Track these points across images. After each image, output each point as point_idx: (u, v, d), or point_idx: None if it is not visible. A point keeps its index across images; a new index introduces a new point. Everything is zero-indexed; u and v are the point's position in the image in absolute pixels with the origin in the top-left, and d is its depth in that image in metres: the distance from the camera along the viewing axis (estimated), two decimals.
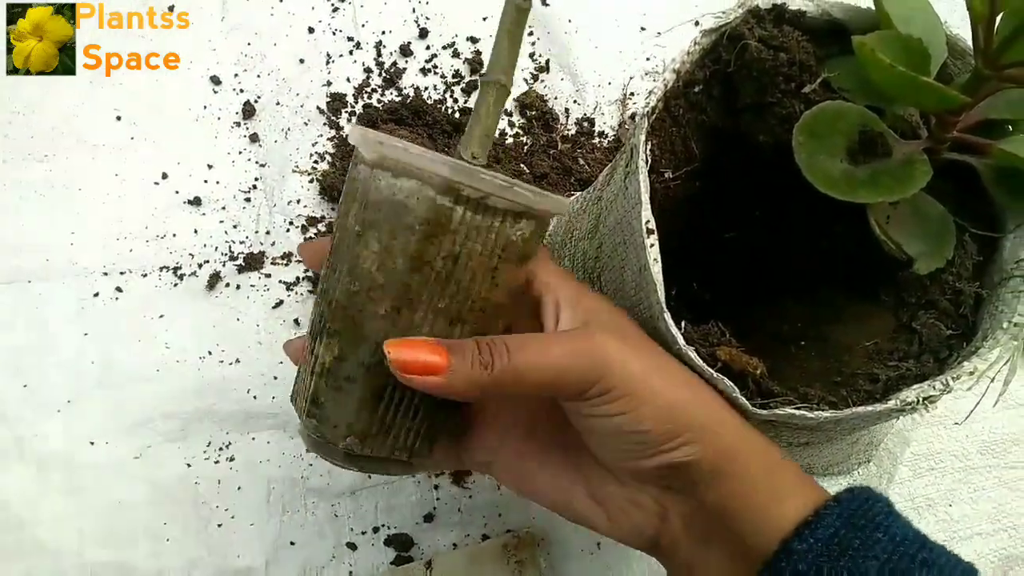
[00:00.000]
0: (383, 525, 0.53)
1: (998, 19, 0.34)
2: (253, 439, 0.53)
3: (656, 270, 0.36)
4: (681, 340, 0.35)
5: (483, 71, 0.33)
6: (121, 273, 0.56)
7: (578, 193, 0.57)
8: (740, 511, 0.35)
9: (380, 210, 0.33)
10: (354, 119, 0.62)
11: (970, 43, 0.42)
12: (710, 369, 0.35)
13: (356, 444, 0.36)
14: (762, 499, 0.35)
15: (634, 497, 0.37)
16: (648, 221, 0.36)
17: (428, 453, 0.38)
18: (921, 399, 0.35)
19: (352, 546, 0.52)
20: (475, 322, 0.35)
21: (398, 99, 0.63)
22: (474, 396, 0.34)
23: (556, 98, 0.65)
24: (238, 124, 0.61)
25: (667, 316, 0.35)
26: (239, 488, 0.52)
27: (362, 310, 0.34)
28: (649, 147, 0.38)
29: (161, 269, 0.57)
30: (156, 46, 0.61)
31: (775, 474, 0.36)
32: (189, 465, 0.52)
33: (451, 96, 0.64)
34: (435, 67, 0.64)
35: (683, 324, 0.37)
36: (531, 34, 0.66)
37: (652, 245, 0.36)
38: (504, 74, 0.35)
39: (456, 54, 0.65)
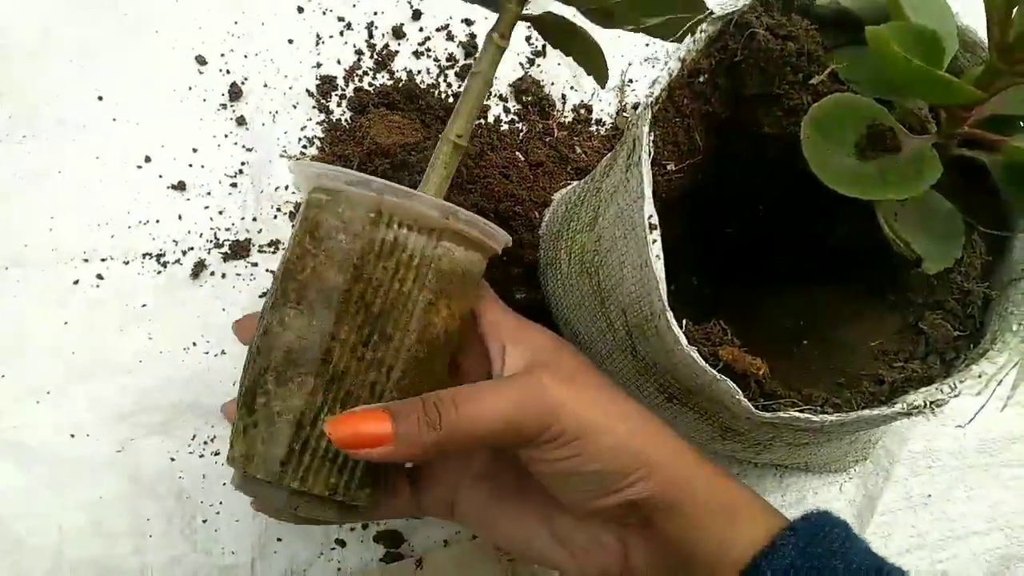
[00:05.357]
0: (372, 521, 0.51)
1: (1014, 13, 0.33)
2: None
3: (658, 267, 0.34)
4: (683, 340, 0.34)
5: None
6: (102, 260, 0.54)
7: (574, 183, 0.55)
8: (696, 543, 0.35)
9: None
10: (344, 103, 0.60)
11: (979, 35, 0.41)
12: (712, 370, 0.34)
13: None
14: (718, 531, 0.35)
15: (597, 537, 0.37)
16: (651, 216, 0.35)
17: (366, 498, 0.37)
18: (928, 403, 0.34)
19: (341, 543, 0.51)
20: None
21: (390, 83, 0.61)
22: (423, 459, 0.33)
23: (553, 84, 0.63)
24: (224, 106, 0.59)
25: (669, 315, 0.34)
26: (224, 483, 0.51)
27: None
28: (651, 138, 0.37)
29: (144, 256, 0.55)
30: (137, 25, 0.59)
31: (730, 504, 0.36)
32: (173, 459, 0.51)
33: (444, 80, 0.62)
34: (428, 50, 0.62)
35: (684, 323, 0.36)
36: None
37: (654, 241, 0.34)
38: (463, 133, 0.39)
39: (450, 37, 0.63)
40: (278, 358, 0.35)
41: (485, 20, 0.63)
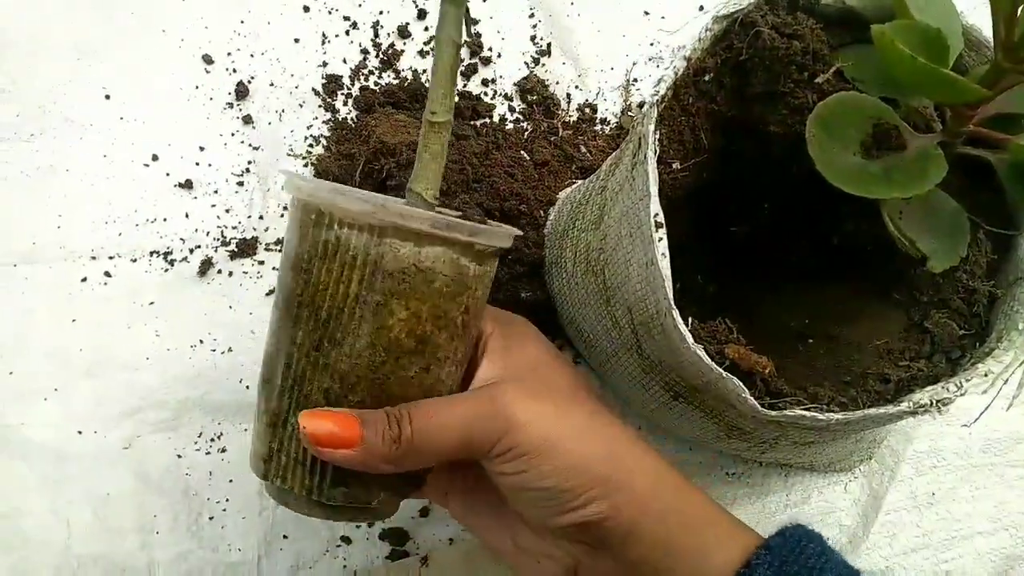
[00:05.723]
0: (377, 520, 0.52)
1: (1019, 12, 0.33)
2: (245, 430, 0.52)
3: (664, 265, 0.35)
4: (689, 338, 0.34)
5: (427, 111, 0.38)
6: (110, 258, 0.55)
7: (579, 182, 0.55)
8: (661, 562, 0.35)
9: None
10: (350, 102, 0.61)
11: (985, 33, 0.41)
12: (718, 368, 0.34)
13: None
14: (688, 553, 0.35)
15: (548, 550, 0.38)
16: (657, 214, 0.35)
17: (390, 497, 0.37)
18: (934, 401, 0.34)
19: (346, 540, 0.51)
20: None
21: (395, 82, 0.61)
22: (382, 470, 0.34)
23: (557, 83, 0.63)
24: (231, 105, 0.59)
25: (675, 313, 0.34)
26: (231, 480, 0.51)
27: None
28: (657, 137, 0.37)
29: (151, 254, 0.55)
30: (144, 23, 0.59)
31: (701, 523, 0.36)
32: (180, 456, 0.51)
33: None
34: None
35: (690, 321, 0.36)
36: (532, 16, 0.64)
37: (660, 239, 0.35)
38: (445, 111, 0.37)
39: None
40: (264, 362, 0.37)
41: (490, 20, 0.63)
